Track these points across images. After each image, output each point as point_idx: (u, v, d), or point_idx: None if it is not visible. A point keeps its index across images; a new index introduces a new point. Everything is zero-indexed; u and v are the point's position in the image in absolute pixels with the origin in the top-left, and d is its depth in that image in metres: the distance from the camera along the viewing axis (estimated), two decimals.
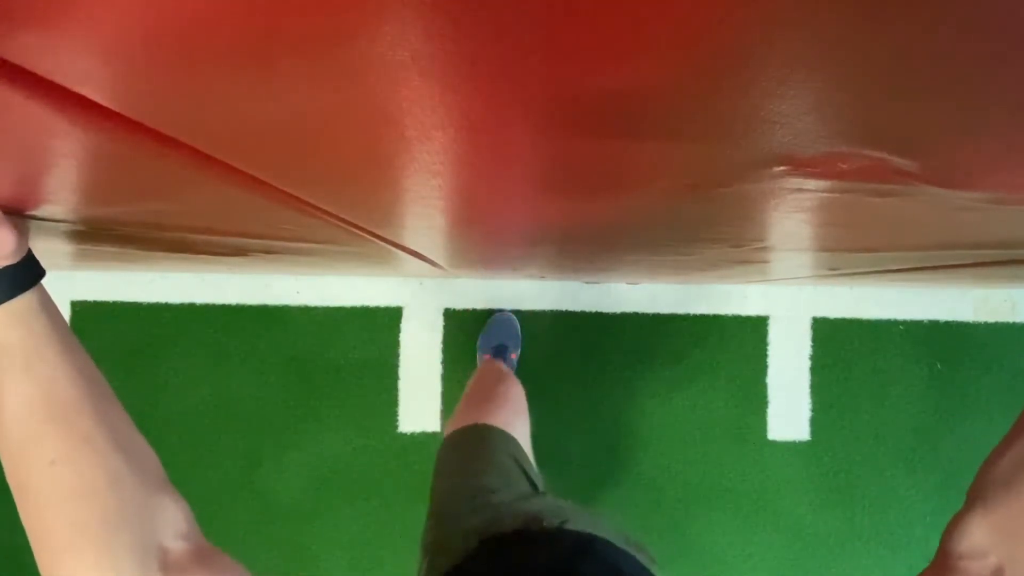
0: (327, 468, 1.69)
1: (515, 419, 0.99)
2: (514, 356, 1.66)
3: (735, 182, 0.34)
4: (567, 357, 1.71)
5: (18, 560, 1.55)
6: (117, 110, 0.24)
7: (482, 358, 1.66)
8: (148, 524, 0.41)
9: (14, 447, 0.41)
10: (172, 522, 0.42)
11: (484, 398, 1.04)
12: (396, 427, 1.69)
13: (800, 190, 0.35)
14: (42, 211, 0.45)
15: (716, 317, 1.70)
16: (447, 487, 0.87)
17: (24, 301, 0.42)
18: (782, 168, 0.30)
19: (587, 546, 0.68)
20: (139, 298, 1.72)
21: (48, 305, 0.44)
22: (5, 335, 0.42)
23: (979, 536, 0.42)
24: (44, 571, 0.40)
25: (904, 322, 1.70)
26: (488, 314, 1.70)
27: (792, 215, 0.45)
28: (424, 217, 0.55)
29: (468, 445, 0.93)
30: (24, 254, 0.43)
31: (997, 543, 0.41)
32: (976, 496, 0.43)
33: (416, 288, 1.71)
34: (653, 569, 0.65)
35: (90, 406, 0.42)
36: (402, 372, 1.70)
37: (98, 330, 1.70)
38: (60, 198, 0.42)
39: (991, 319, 1.69)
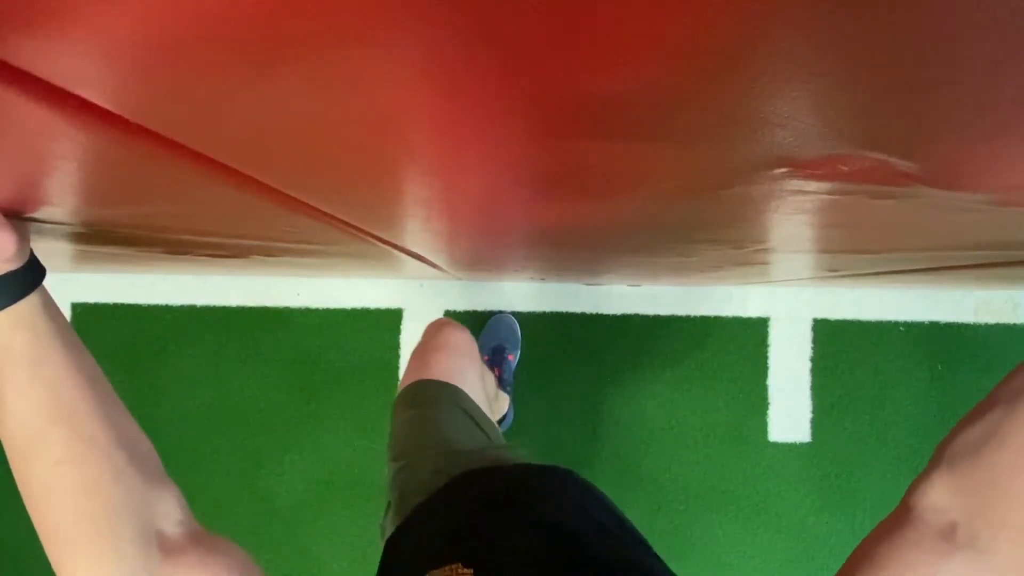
0: (327, 469, 1.69)
1: (458, 368, 0.99)
2: (512, 358, 1.66)
3: (736, 184, 0.34)
4: (567, 358, 1.70)
5: (18, 560, 1.55)
6: (118, 113, 0.24)
7: (482, 359, 1.66)
8: (148, 513, 0.43)
9: (20, 447, 0.42)
10: (169, 510, 0.44)
11: (425, 352, 1.03)
12: None
13: (801, 192, 0.35)
14: (44, 213, 0.45)
15: (717, 318, 1.70)
16: (407, 439, 0.89)
17: (29, 304, 0.42)
18: (783, 170, 0.30)
19: (553, 471, 0.73)
20: (140, 300, 1.72)
21: (50, 306, 0.44)
22: (10, 338, 0.42)
23: (939, 494, 0.44)
24: (52, 559, 0.42)
25: (905, 323, 1.70)
26: (488, 315, 1.70)
27: (793, 217, 0.45)
28: (424, 220, 0.55)
29: (417, 404, 0.93)
30: (27, 257, 0.43)
31: (955, 503, 0.43)
32: (941, 458, 0.45)
33: (417, 290, 1.71)
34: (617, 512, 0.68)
35: (93, 405, 0.43)
36: (403, 374, 1.70)
37: (99, 332, 1.70)
38: (62, 200, 0.42)
39: (992, 320, 1.69)
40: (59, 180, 0.36)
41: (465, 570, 0.51)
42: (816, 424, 1.69)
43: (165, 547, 0.43)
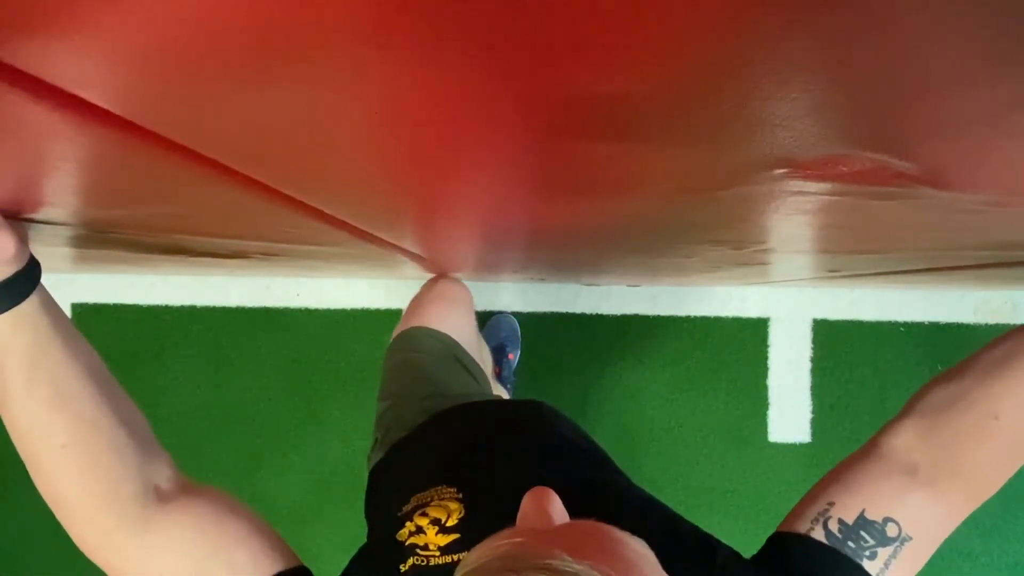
0: (327, 470, 1.69)
1: (451, 316, 1.01)
2: (513, 357, 1.66)
3: (736, 184, 0.34)
4: (567, 359, 1.70)
5: (18, 561, 1.55)
6: (119, 114, 0.24)
7: None
8: (145, 476, 0.48)
9: (26, 436, 0.45)
10: (162, 470, 0.50)
11: (420, 301, 1.06)
12: None
13: (801, 192, 0.35)
14: (44, 214, 0.45)
15: (717, 319, 1.70)
16: (397, 381, 0.91)
17: (30, 303, 0.43)
18: (783, 170, 0.30)
19: (533, 404, 0.76)
20: (140, 300, 1.72)
21: (49, 303, 0.45)
22: (12, 339, 0.43)
23: (908, 438, 0.51)
24: (63, 522, 0.47)
25: (905, 323, 1.70)
26: (488, 315, 1.70)
27: (793, 217, 0.45)
28: (424, 220, 0.55)
29: (409, 349, 0.96)
30: (27, 260, 0.43)
31: (921, 448, 0.50)
32: (913, 408, 0.53)
33: (416, 290, 1.71)
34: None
35: (92, 391, 0.46)
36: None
37: (99, 332, 1.70)
38: (62, 201, 0.42)
39: (992, 320, 1.69)
40: (59, 181, 0.36)
41: (449, 489, 0.54)
42: (816, 424, 1.69)
43: (159, 496, 0.48)
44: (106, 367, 0.49)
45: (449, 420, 0.76)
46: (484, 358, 1.23)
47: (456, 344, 0.96)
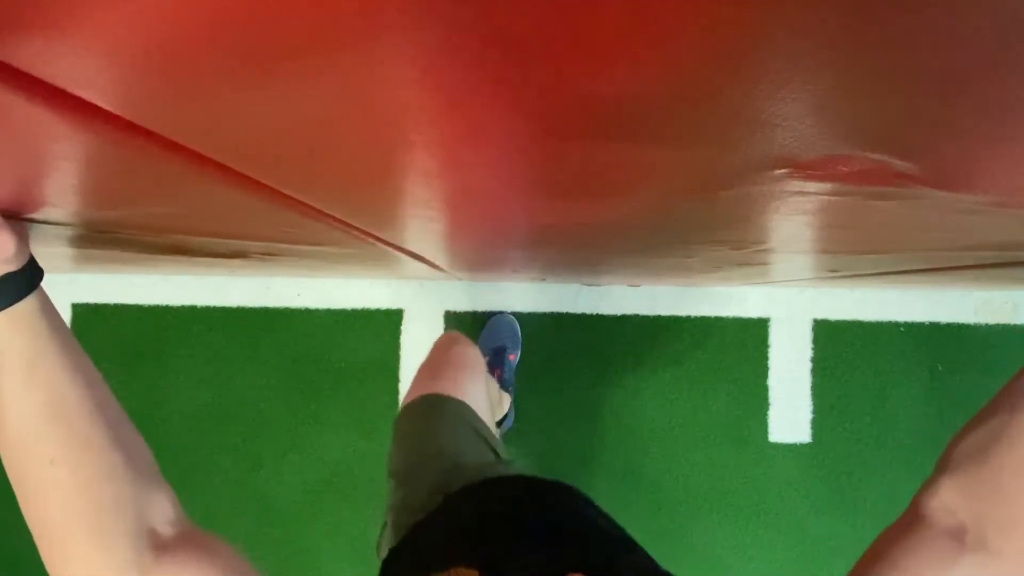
0: (328, 470, 1.69)
1: (468, 384, 0.97)
2: (513, 357, 1.66)
3: (736, 185, 0.34)
4: (567, 359, 1.70)
5: (18, 561, 1.55)
6: (119, 114, 0.24)
7: (483, 359, 1.66)
8: (140, 512, 0.43)
9: (15, 446, 0.42)
10: (161, 509, 0.45)
11: (435, 366, 1.02)
12: None
13: (801, 193, 0.35)
14: (44, 214, 0.45)
15: (717, 319, 1.70)
16: (408, 455, 0.87)
17: (27, 305, 0.42)
18: (783, 171, 0.30)
19: (554, 483, 0.71)
20: (140, 300, 1.72)
21: (48, 308, 0.44)
22: (7, 339, 0.42)
23: (948, 496, 0.45)
24: (44, 556, 0.43)
25: (905, 324, 1.70)
26: (488, 316, 1.70)
27: (793, 217, 0.45)
28: (425, 220, 0.55)
29: (424, 416, 0.92)
30: (26, 259, 0.43)
31: (964, 505, 0.44)
32: (949, 461, 0.46)
33: (417, 290, 1.71)
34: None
35: (89, 406, 0.43)
36: (403, 374, 1.70)
37: (99, 332, 1.70)
38: (62, 201, 0.42)
39: (992, 321, 1.69)
40: (59, 181, 0.36)
41: (470, 571, 0.51)
42: (816, 425, 1.69)
43: (156, 544, 0.43)
44: (107, 386, 0.46)
45: (470, 496, 0.72)
46: (495, 408, 1.18)
47: (474, 414, 0.92)
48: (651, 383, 1.69)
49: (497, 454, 0.88)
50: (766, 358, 1.70)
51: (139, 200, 0.44)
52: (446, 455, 0.83)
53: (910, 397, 1.67)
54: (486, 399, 1.00)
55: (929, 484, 0.46)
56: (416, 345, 1.70)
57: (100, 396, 0.45)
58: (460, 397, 0.93)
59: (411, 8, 0.16)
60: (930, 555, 0.43)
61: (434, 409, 0.92)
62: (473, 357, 1.05)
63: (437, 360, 1.03)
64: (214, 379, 1.70)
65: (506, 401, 1.62)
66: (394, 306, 1.71)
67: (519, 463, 0.88)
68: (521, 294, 1.71)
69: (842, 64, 0.18)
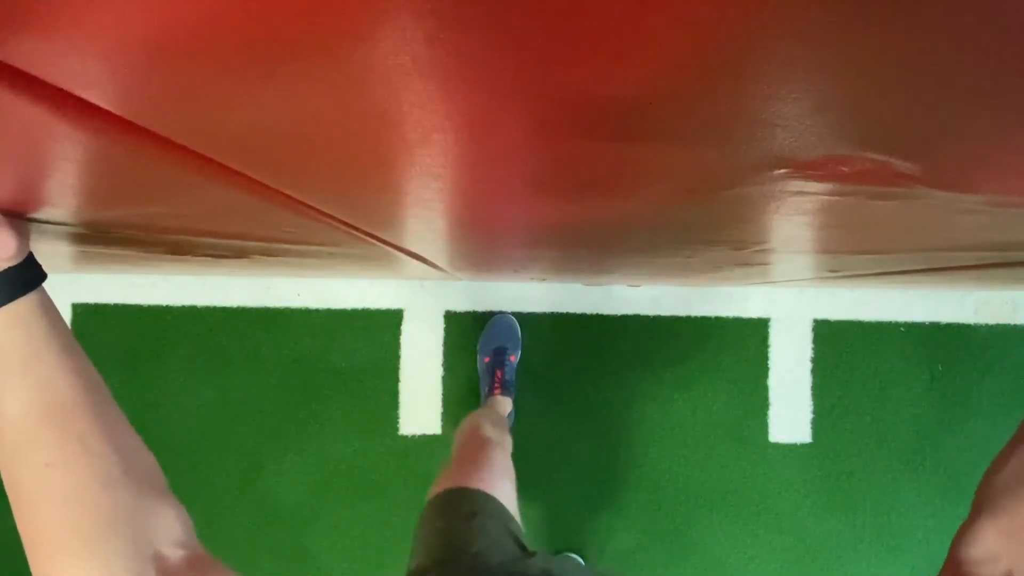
0: (328, 470, 1.69)
1: (499, 481, 0.96)
2: (513, 358, 1.66)
3: (736, 185, 0.34)
4: (568, 359, 1.70)
5: (18, 560, 1.54)
6: (119, 114, 0.24)
7: (482, 360, 1.66)
8: (142, 529, 0.40)
9: (9, 448, 0.41)
10: (169, 529, 0.42)
11: (469, 460, 1.02)
12: (397, 429, 1.69)
13: (801, 193, 0.35)
14: (44, 214, 0.45)
15: (717, 319, 1.70)
16: (435, 546, 0.83)
17: (25, 303, 0.42)
18: (783, 171, 0.30)
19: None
20: (140, 300, 1.72)
21: (48, 307, 0.44)
22: (5, 337, 0.42)
23: (988, 542, 0.42)
24: (35, 571, 0.40)
25: (905, 324, 1.70)
26: (488, 315, 1.70)
27: (794, 218, 0.45)
28: (425, 220, 0.55)
29: (454, 508, 0.90)
30: (25, 257, 0.43)
31: (1006, 548, 0.41)
32: (982, 504, 0.44)
33: (417, 290, 1.71)
34: None
35: (87, 409, 0.42)
36: (403, 375, 1.70)
37: (99, 332, 1.70)
38: (62, 201, 0.42)
39: (992, 321, 1.69)
40: (59, 181, 0.36)
41: None
42: (816, 425, 1.69)
43: (161, 569, 0.40)
44: (108, 391, 0.44)
45: None
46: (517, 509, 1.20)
47: (511, 517, 0.90)
48: (651, 383, 1.69)
49: (524, 549, 0.86)
50: (766, 358, 1.70)
51: (139, 200, 0.44)
52: (475, 553, 0.80)
53: (910, 397, 1.67)
54: (514, 499, 0.99)
55: (965, 531, 0.44)
56: (416, 345, 1.70)
57: (100, 401, 0.43)
58: (491, 492, 0.92)
59: (412, 8, 0.16)
60: None
61: (467, 502, 0.90)
62: (504, 456, 1.06)
63: (471, 455, 1.04)
64: (214, 379, 1.70)
65: (507, 402, 1.62)
66: (394, 306, 1.71)
67: (543, 556, 0.84)
68: (521, 294, 1.71)
69: (842, 64, 0.18)
